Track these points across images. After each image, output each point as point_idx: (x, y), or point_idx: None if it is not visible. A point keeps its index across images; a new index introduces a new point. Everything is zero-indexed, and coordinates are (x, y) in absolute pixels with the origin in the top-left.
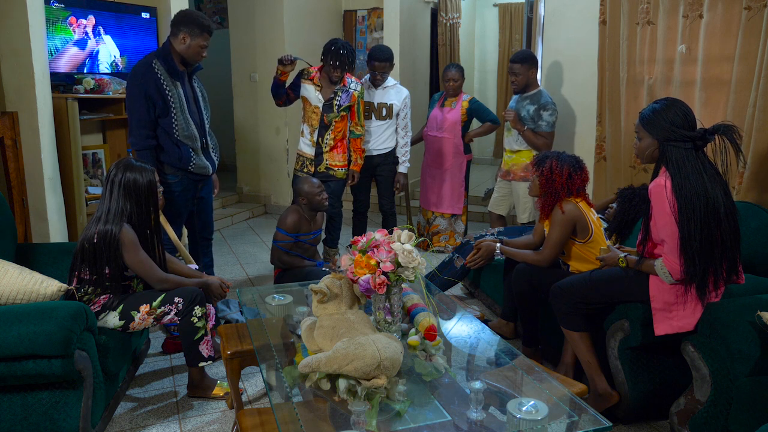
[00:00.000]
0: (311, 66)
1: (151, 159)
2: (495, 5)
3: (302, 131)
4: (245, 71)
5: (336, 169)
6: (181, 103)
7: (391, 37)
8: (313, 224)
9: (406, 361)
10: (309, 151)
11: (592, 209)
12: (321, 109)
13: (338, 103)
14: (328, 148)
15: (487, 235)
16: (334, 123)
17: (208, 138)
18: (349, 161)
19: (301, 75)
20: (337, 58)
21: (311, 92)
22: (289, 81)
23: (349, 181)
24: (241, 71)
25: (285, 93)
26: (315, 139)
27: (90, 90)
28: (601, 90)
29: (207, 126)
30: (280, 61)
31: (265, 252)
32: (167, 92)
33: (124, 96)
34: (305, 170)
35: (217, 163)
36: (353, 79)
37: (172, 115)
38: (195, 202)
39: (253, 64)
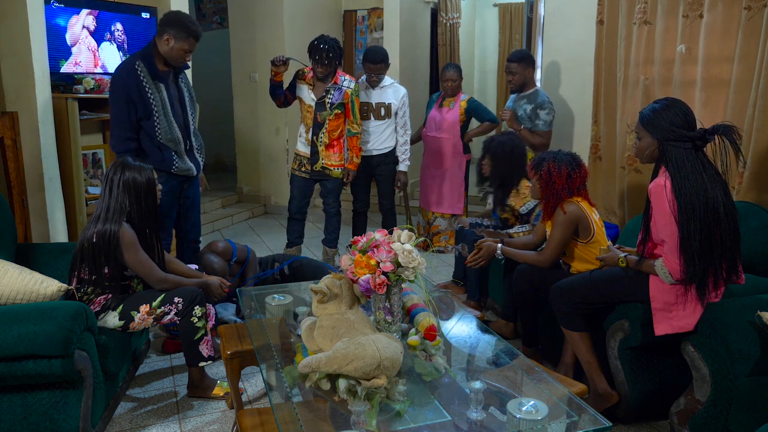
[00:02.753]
0: (306, 66)
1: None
2: (495, 5)
3: (300, 132)
4: (245, 71)
5: (332, 168)
6: (164, 106)
7: (391, 37)
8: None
9: (406, 361)
10: (305, 150)
11: (594, 209)
12: (314, 107)
13: (330, 100)
14: (323, 146)
15: (483, 224)
16: (327, 121)
17: (193, 139)
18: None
19: (297, 76)
20: (317, 53)
21: (305, 92)
22: (287, 82)
23: (344, 179)
24: (241, 71)
25: (283, 94)
26: (310, 137)
27: (90, 90)
28: (597, 90)
29: (193, 127)
30: (273, 62)
31: (266, 252)
32: (149, 95)
33: None
34: (303, 169)
35: (202, 163)
36: (347, 76)
37: (155, 118)
38: (180, 203)
39: (253, 64)
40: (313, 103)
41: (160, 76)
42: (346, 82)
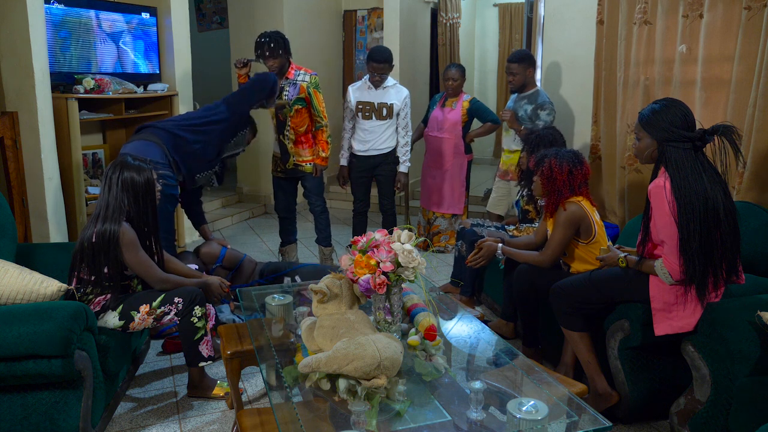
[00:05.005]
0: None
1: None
2: (495, 5)
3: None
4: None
5: (304, 164)
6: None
7: (391, 37)
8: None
9: (406, 361)
10: (278, 150)
11: (595, 209)
12: (275, 107)
13: (287, 97)
14: (291, 144)
15: (484, 225)
16: (289, 118)
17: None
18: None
19: None
20: (257, 48)
21: None
22: None
23: (314, 174)
24: None
25: None
26: (278, 136)
27: (90, 90)
28: (597, 90)
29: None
30: (234, 65)
31: (265, 253)
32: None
33: (123, 96)
34: (278, 169)
35: None
36: (302, 70)
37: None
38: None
39: (252, 64)
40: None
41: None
42: (301, 75)
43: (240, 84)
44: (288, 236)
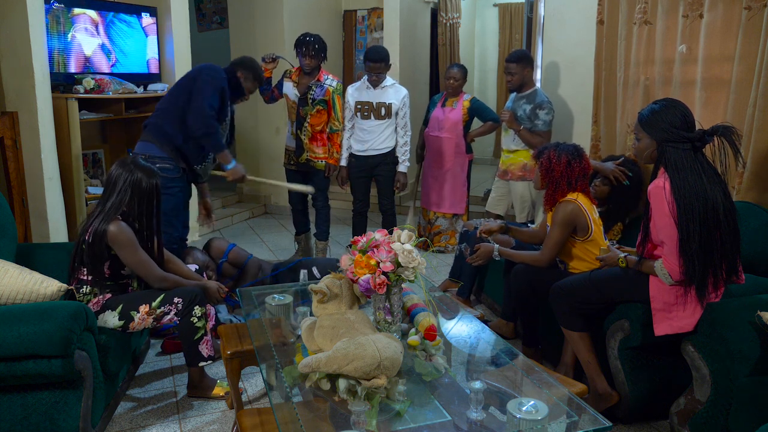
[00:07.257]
0: (294, 66)
1: (218, 141)
2: (495, 5)
3: (287, 127)
4: None
5: (316, 161)
6: (227, 119)
7: (391, 37)
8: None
9: (406, 361)
10: (291, 144)
11: (594, 207)
12: (297, 103)
13: (312, 97)
14: (307, 139)
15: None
16: (309, 116)
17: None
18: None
19: (284, 74)
20: (303, 45)
21: (290, 89)
22: (275, 80)
23: (326, 174)
24: None
25: (270, 90)
26: (294, 131)
27: (90, 90)
28: (597, 90)
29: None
30: (263, 59)
31: (266, 253)
32: (228, 105)
33: (123, 96)
34: (291, 162)
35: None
36: (330, 76)
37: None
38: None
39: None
40: (296, 99)
41: (239, 97)
42: (329, 80)
43: (264, 76)
44: (302, 227)
